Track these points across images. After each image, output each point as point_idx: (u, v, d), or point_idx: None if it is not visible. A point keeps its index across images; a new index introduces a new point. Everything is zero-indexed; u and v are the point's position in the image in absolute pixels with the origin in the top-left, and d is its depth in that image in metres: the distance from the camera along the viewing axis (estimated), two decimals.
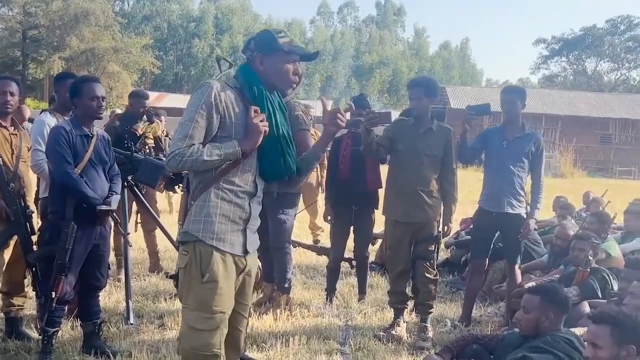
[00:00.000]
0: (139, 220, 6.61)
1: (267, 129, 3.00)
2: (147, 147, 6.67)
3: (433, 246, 5.26)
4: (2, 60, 47.15)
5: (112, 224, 4.65)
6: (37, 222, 4.77)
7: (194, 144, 2.91)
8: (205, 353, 3.00)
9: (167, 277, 5.54)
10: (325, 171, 8.21)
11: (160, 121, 7.43)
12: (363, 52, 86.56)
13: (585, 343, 3.09)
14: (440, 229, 5.31)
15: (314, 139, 8.20)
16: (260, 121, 2.97)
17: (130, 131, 6.67)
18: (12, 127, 4.62)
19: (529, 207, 5.50)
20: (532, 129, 5.74)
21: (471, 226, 7.68)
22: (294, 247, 7.15)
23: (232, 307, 3.12)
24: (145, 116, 6.99)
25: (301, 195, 8.31)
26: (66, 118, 4.80)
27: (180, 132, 2.94)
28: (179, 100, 47.34)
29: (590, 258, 5.12)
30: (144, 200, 5.54)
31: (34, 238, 4.55)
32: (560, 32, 79.25)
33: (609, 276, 5.06)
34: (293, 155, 3.16)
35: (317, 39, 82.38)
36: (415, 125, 5.21)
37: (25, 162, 4.67)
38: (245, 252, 3.12)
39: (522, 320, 3.54)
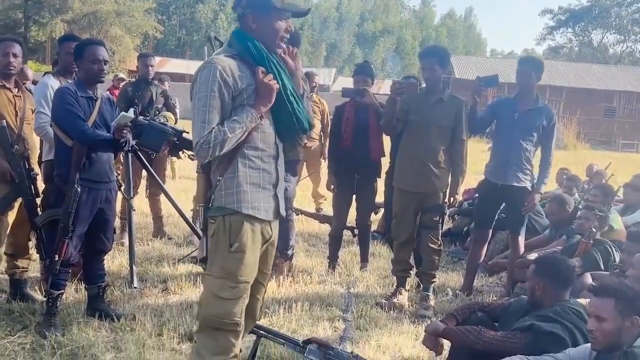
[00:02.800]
0: (150, 186, 6.64)
1: (277, 85, 2.99)
2: (158, 112, 6.65)
3: (438, 216, 5.26)
4: (3, 22, 46.69)
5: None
6: (40, 184, 4.77)
7: (213, 128, 2.89)
8: (226, 321, 3.01)
9: (195, 262, 5.55)
10: (328, 140, 8.21)
11: (164, 85, 7.39)
12: (367, 20, 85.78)
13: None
14: (446, 199, 5.30)
15: (317, 107, 8.23)
16: (269, 79, 2.96)
17: (141, 96, 6.66)
18: (16, 89, 4.59)
19: (535, 181, 5.47)
20: (545, 102, 5.66)
21: (476, 195, 7.70)
22: (297, 215, 7.17)
23: (254, 276, 3.13)
24: (158, 80, 6.98)
25: (304, 163, 8.36)
26: (69, 81, 4.77)
27: (198, 120, 2.91)
28: (181, 66, 47.18)
29: (594, 230, 5.11)
30: (148, 165, 5.53)
31: (38, 201, 4.55)
32: (567, 3, 78.49)
33: (611, 248, 5.07)
34: (304, 112, 3.14)
35: (323, 5, 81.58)
36: (426, 95, 5.16)
37: (29, 124, 4.65)
38: (277, 216, 3.15)
39: (529, 290, 3.57)
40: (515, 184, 5.39)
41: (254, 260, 3.08)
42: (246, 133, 2.95)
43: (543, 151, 5.49)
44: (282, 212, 3.20)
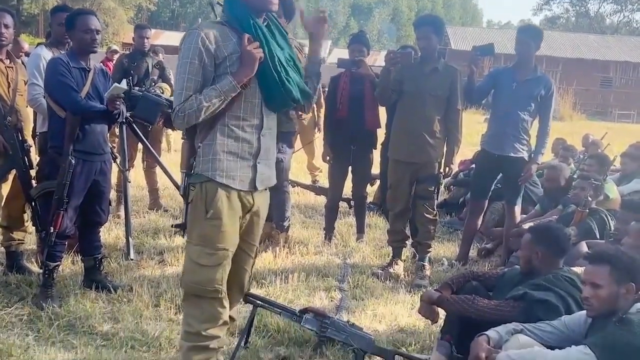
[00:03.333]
0: (146, 159, 6.62)
1: (262, 54, 2.93)
2: (154, 83, 6.61)
3: (433, 187, 5.26)
4: None
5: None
6: (35, 156, 4.75)
7: (191, 96, 2.88)
8: (207, 288, 3.04)
9: (172, 227, 5.57)
10: (321, 111, 8.16)
11: (158, 57, 7.32)
12: None
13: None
14: (441, 169, 5.29)
15: None
16: (255, 48, 2.91)
17: (136, 67, 6.61)
18: (8, 60, 4.54)
19: (532, 151, 5.46)
20: (544, 72, 5.62)
21: (472, 166, 7.69)
22: (292, 186, 7.17)
23: (236, 244, 3.13)
24: (152, 52, 6.92)
25: (298, 135, 8.33)
26: (62, 52, 4.72)
27: (177, 88, 2.94)
28: (175, 38, 46.63)
29: (589, 199, 5.12)
30: (143, 137, 5.50)
31: (32, 173, 4.53)
32: None
33: (607, 217, 5.08)
34: (295, 81, 3.07)
35: None
36: (421, 65, 5.12)
37: (22, 95, 4.61)
38: (254, 187, 3.11)
39: (521, 259, 3.57)
40: (512, 154, 5.38)
41: (233, 228, 3.07)
42: (225, 102, 2.92)
43: (541, 121, 5.46)
44: (262, 185, 3.16)
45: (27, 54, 6.43)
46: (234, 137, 3.00)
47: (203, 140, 3.00)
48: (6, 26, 4.45)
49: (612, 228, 4.95)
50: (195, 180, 3.03)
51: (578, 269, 3.71)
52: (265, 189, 3.26)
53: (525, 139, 5.41)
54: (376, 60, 41.80)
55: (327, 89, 6.33)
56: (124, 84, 4.31)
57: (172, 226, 5.41)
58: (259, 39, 2.95)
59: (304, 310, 3.61)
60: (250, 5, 2.98)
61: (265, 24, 3.05)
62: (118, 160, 5.06)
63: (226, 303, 3.13)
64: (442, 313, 3.68)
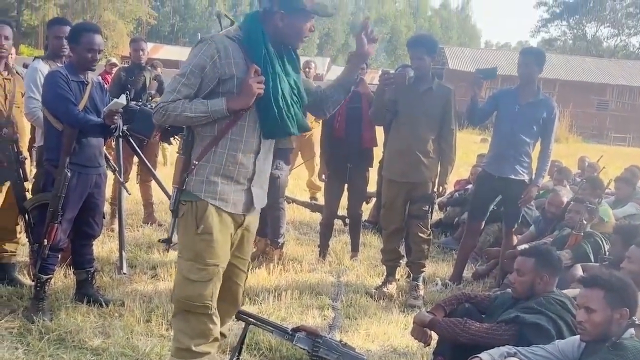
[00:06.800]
0: (139, 173, 6.61)
1: (262, 91, 2.92)
2: (151, 97, 6.62)
3: (427, 206, 5.26)
4: None
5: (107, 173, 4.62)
6: (30, 169, 4.73)
7: (179, 99, 2.90)
8: (197, 303, 3.04)
9: (158, 241, 5.55)
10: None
11: (157, 71, 7.34)
12: (362, 9, 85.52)
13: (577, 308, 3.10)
14: (435, 189, 5.29)
15: None
16: (258, 82, 2.90)
17: (134, 81, 6.62)
18: (6, 72, 4.54)
19: (533, 173, 5.45)
20: (547, 94, 5.62)
21: (468, 186, 7.69)
22: (288, 203, 7.16)
23: (227, 260, 3.13)
24: (150, 66, 6.95)
25: (299, 152, 8.33)
26: (59, 65, 4.71)
27: (170, 86, 2.97)
28: (174, 53, 46.87)
29: (585, 222, 5.12)
30: (139, 150, 5.49)
31: (27, 185, 4.51)
32: None
33: (602, 240, 5.07)
34: (295, 115, 3.06)
35: None
36: (415, 85, 5.13)
37: (18, 107, 4.60)
38: (248, 210, 3.12)
39: (515, 283, 3.54)
40: (513, 176, 5.38)
41: (224, 244, 3.07)
42: (209, 120, 2.93)
43: (542, 144, 5.45)
44: (257, 205, 3.18)
45: (25, 66, 6.43)
46: (231, 161, 3.01)
47: (199, 159, 3.00)
48: (6, 38, 4.45)
49: (607, 252, 4.95)
50: (187, 198, 3.03)
51: (569, 292, 3.71)
52: None
53: (526, 162, 5.41)
54: (374, 78, 42.02)
55: None
56: (123, 99, 4.31)
57: (158, 240, 5.42)
58: (266, 73, 2.94)
59: (297, 329, 3.58)
60: (277, 37, 2.99)
61: (278, 52, 3.04)
62: (116, 172, 5.06)
63: (216, 319, 3.12)
64: (435, 335, 3.65)
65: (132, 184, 7.24)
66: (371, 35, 3.15)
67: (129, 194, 5.55)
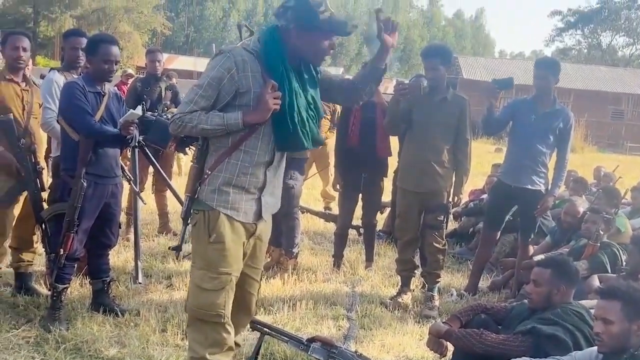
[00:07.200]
0: (155, 182, 6.64)
1: (278, 107, 2.93)
2: (167, 108, 6.66)
3: (442, 216, 5.23)
4: (13, 17, 46.87)
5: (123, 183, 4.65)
6: (47, 179, 4.77)
7: (196, 111, 2.92)
8: (210, 312, 3.05)
9: (169, 249, 5.57)
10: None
11: (172, 81, 7.38)
12: (375, 20, 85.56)
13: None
14: (450, 199, 5.27)
15: (327, 106, 8.19)
16: (274, 98, 2.91)
17: (150, 91, 6.67)
18: (24, 83, 4.59)
19: (549, 183, 5.41)
20: (563, 104, 5.58)
21: (482, 196, 7.65)
22: (302, 212, 7.16)
23: (239, 269, 3.14)
24: (165, 76, 6.99)
25: (313, 162, 8.34)
26: (74, 76, 4.76)
27: (187, 96, 3.00)
28: (189, 63, 47.14)
29: (601, 232, 5.08)
30: (154, 161, 5.53)
31: (44, 195, 4.55)
32: (576, 5, 77.98)
33: (619, 251, 5.03)
34: (311, 132, 3.06)
35: (331, 4, 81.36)
36: (430, 95, 5.12)
37: (36, 118, 4.65)
38: (259, 219, 3.13)
39: (532, 294, 3.51)
40: (529, 186, 5.34)
41: (236, 252, 3.08)
42: (225, 132, 2.95)
43: (558, 154, 5.42)
44: (266, 215, 3.19)
45: (41, 77, 6.50)
46: (243, 172, 3.02)
47: (212, 169, 3.02)
48: (24, 49, 4.51)
49: (624, 262, 4.91)
50: (199, 207, 3.05)
51: (586, 302, 3.67)
52: None
53: (543, 172, 5.38)
54: (387, 88, 42.05)
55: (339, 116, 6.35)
56: (139, 110, 4.34)
57: (169, 248, 5.47)
58: (282, 88, 2.94)
59: (312, 339, 3.58)
60: (295, 53, 2.99)
61: (297, 67, 3.04)
62: (132, 181, 5.09)
63: (230, 328, 3.13)
64: (451, 346, 3.63)
65: (148, 194, 7.28)
66: (391, 24, 3.11)
67: (145, 204, 5.58)
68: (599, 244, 5.03)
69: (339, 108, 8.48)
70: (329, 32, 2.97)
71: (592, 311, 3.23)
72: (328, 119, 8.24)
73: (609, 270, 4.91)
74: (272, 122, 2.99)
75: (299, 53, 3.00)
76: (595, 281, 4.71)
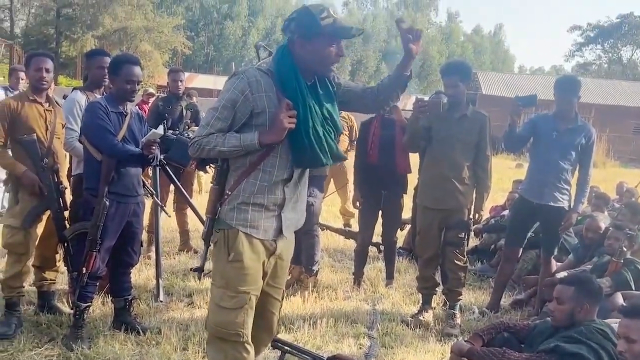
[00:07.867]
0: (176, 200, 6.69)
1: (293, 125, 2.93)
2: (188, 127, 6.72)
3: (463, 233, 5.21)
4: (36, 37, 47.60)
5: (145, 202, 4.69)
6: (68, 198, 4.82)
7: (212, 133, 2.94)
8: (229, 331, 3.04)
9: (190, 270, 5.61)
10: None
11: (192, 100, 7.47)
12: (394, 36, 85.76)
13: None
14: (471, 215, 5.25)
15: (346, 122, 8.22)
16: (289, 117, 2.91)
17: (171, 110, 6.73)
18: (47, 104, 4.65)
19: (572, 200, 5.36)
20: (584, 119, 5.55)
21: (503, 212, 7.60)
22: (322, 230, 7.16)
23: (259, 288, 3.13)
24: (186, 95, 7.07)
25: (331, 179, 8.35)
26: (97, 95, 4.82)
27: (204, 120, 3.03)
28: (209, 82, 47.50)
29: (624, 249, 5.03)
30: (175, 179, 5.57)
31: (66, 214, 4.60)
32: (596, 20, 77.56)
33: None
34: (329, 147, 3.05)
35: (348, 21, 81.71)
36: (450, 112, 5.11)
37: (59, 138, 4.70)
38: (279, 235, 3.13)
39: (555, 311, 3.48)
40: (552, 203, 5.30)
41: (255, 271, 3.08)
42: (242, 152, 2.96)
43: (581, 170, 5.39)
44: (287, 231, 3.17)
45: (64, 97, 6.59)
46: (262, 190, 3.03)
47: (232, 190, 3.04)
48: (47, 70, 4.57)
49: None
50: (219, 227, 3.06)
51: (610, 320, 3.63)
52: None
53: (565, 188, 5.34)
54: (406, 105, 42.05)
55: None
56: (160, 130, 4.38)
57: (190, 269, 5.51)
58: (297, 105, 2.94)
59: (333, 358, 3.58)
60: (305, 65, 2.99)
61: (311, 82, 3.05)
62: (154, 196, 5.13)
63: (250, 347, 3.11)
64: None
65: (168, 212, 7.33)
66: (414, 33, 3.08)
67: (169, 216, 5.59)
68: (622, 261, 4.97)
69: (356, 124, 8.52)
70: (332, 36, 2.94)
71: (616, 329, 3.19)
72: (346, 135, 8.25)
73: (633, 288, 4.85)
74: (288, 141, 2.99)
75: (308, 64, 2.99)
76: (619, 299, 4.65)
